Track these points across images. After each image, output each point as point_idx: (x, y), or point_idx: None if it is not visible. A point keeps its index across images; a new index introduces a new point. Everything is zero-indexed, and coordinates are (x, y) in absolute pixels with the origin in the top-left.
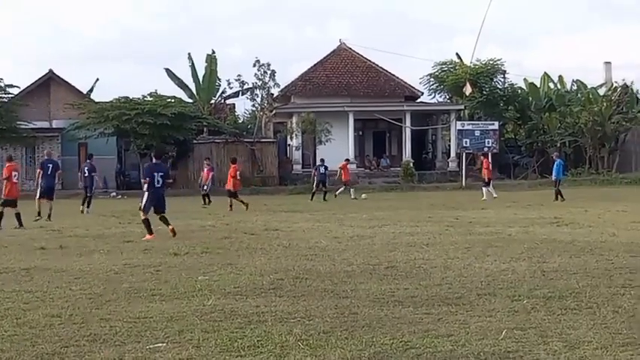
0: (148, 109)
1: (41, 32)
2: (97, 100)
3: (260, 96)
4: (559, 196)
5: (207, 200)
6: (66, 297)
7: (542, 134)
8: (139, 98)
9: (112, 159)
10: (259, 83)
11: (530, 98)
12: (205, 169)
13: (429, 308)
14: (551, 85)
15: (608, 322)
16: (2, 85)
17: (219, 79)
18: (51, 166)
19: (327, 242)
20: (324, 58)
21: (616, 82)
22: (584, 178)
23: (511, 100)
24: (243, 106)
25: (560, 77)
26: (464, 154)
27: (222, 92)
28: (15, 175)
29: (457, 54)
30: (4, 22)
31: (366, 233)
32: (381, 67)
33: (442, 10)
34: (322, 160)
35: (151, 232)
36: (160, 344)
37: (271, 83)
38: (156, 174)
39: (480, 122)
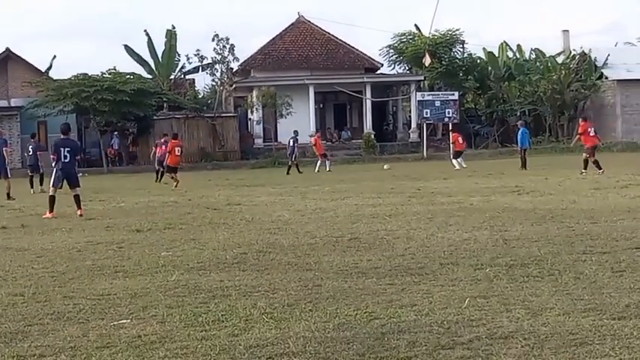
0: (107, 86)
1: None
2: (55, 77)
3: (220, 70)
4: (524, 166)
5: (159, 177)
6: (28, 276)
7: (501, 103)
8: (97, 75)
9: (72, 137)
10: (218, 58)
11: (490, 68)
12: (163, 146)
13: (393, 279)
14: (510, 54)
15: (570, 288)
16: None
17: (179, 55)
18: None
19: (289, 216)
20: (283, 31)
21: (574, 50)
22: (544, 146)
23: (470, 70)
24: (203, 81)
25: (519, 46)
26: (424, 124)
27: (182, 67)
28: None
29: (416, 25)
30: None
31: (329, 206)
32: (340, 40)
33: None
34: (296, 132)
35: (52, 210)
36: (124, 321)
37: (230, 57)
38: (62, 149)
39: (439, 93)
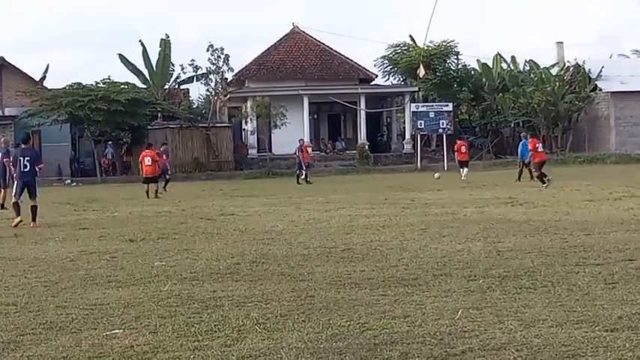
0: (102, 96)
1: None
2: (49, 87)
3: (214, 81)
4: (519, 176)
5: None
6: (21, 285)
7: (495, 115)
8: (92, 85)
9: (66, 146)
10: (213, 68)
11: (484, 79)
12: (164, 155)
13: (386, 290)
14: (504, 66)
15: (563, 300)
16: None
17: (173, 65)
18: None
19: (283, 226)
20: (278, 41)
21: (568, 61)
22: None
23: (465, 81)
24: (197, 91)
25: (513, 58)
26: (418, 135)
27: (176, 77)
28: None
29: (410, 36)
30: None
31: (323, 217)
32: (334, 50)
33: None
34: (301, 141)
35: (18, 214)
36: (117, 331)
37: (225, 68)
38: (22, 158)
39: (434, 104)
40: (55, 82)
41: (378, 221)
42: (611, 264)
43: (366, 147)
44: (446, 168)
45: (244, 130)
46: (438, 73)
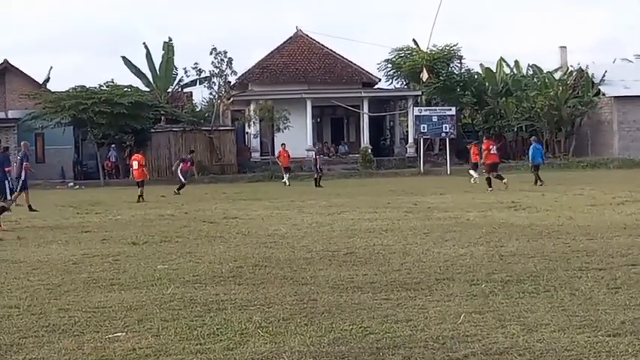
0: (105, 99)
1: None
2: (53, 89)
3: (217, 84)
4: (538, 181)
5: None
6: (24, 288)
7: (499, 119)
8: (95, 87)
9: (69, 149)
10: (216, 71)
11: (487, 83)
12: (188, 162)
13: (388, 294)
14: (507, 70)
15: (566, 304)
16: None
17: (176, 68)
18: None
19: (286, 230)
20: (281, 45)
21: (571, 66)
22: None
23: (468, 85)
24: (200, 95)
25: (516, 62)
26: (421, 139)
27: (180, 80)
28: None
29: (414, 40)
30: None
31: (325, 220)
32: (338, 54)
33: None
34: (315, 145)
35: None
36: (119, 333)
37: (228, 71)
38: None
39: (437, 108)
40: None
41: (380, 225)
42: (614, 269)
43: (369, 151)
44: (448, 172)
45: (247, 133)
46: (441, 77)
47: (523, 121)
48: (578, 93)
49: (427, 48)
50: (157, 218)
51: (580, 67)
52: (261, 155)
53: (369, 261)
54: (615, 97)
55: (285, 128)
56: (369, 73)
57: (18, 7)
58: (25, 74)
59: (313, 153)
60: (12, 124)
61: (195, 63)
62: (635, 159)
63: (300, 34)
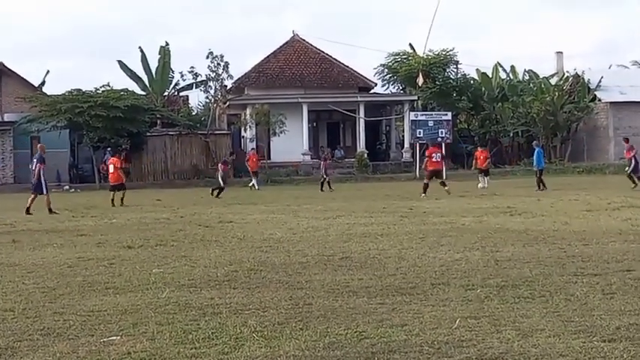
0: (101, 102)
1: None
2: (49, 93)
3: (213, 88)
4: (541, 185)
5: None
6: (19, 291)
7: (495, 124)
8: (91, 91)
9: (65, 152)
10: (213, 75)
11: (483, 88)
12: (227, 165)
13: (384, 298)
14: (504, 75)
15: (561, 310)
16: None
17: (173, 71)
18: None
19: (281, 234)
20: (278, 49)
21: (567, 71)
22: None
23: (464, 90)
24: (196, 98)
25: (513, 67)
26: (417, 144)
27: (176, 84)
28: None
29: (410, 44)
30: None
31: (321, 224)
32: (334, 58)
33: (395, 0)
34: (323, 150)
35: None
36: (114, 337)
37: (225, 75)
38: None
39: (433, 113)
40: (54, 88)
41: (376, 230)
42: (609, 274)
43: (365, 155)
44: (444, 177)
45: (243, 137)
46: (437, 82)
47: (519, 126)
48: (574, 98)
49: (423, 53)
50: (153, 222)
51: (576, 73)
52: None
53: (364, 265)
54: (611, 102)
55: (281, 132)
56: (366, 77)
57: (14, 11)
58: (21, 77)
59: (322, 159)
60: (8, 128)
61: (192, 67)
62: None
63: (296, 39)
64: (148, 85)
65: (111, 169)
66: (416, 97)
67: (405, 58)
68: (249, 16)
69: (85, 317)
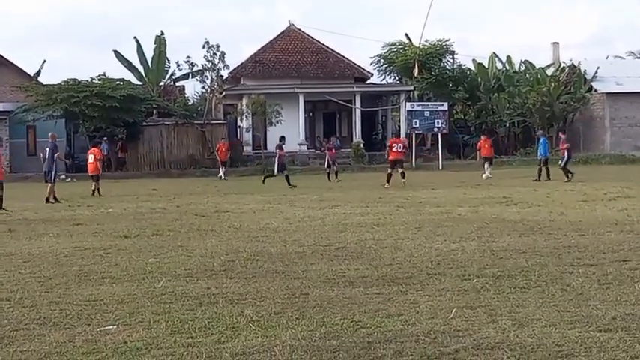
0: (97, 92)
1: None
2: (45, 82)
3: (210, 78)
4: (547, 175)
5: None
6: (15, 280)
7: (491, 114)
8: (87, 80)
9: (61, 142)
10: (209, 65)
11: (479, 79)
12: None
13: (380, 288)
14: (500, 66)
15: (557, 300)
16: None
17: (169, 61)
18: None
19: (277, 224)
20: (274, 39)
21: (564, 62)
22: (533, 157)
23: (460, 80)
24: (192, 88)
25: (509, 57)
26: (414, 134)
27: (172, 74)
28: None
29: (406, 35)
30: None
31: (317, 214)
32: (330, 49)
33: None
34: (331, 139)
35: None
36: (111, 326)
37: (221, 65)
38: None
39: (429, 103)
40: (50, 77)
41: (372, 219)
42: (605, 264)
43: (361, 145)
44: (440, 167)
45: (239, 127)
46: (433, 72)
47: (515, 116)
48: (570, 89)
49: (420, 43)
50: (149, 212)
51: (572, 64)
52: (253, 149)
53: (360, 255)
54: (607, 93)
55: (277, 122)
56: (362, 67)
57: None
58: (16, 67)
59: (327, 149)
60: (4, 117)
61: (188, 57)
62: (627, 155)
63: (292, 29)
64: (144, 75)
65: (90, 159)
66: (412, 88)
67: (401, 49)
68: (245, 5)
69: (81, 306)
